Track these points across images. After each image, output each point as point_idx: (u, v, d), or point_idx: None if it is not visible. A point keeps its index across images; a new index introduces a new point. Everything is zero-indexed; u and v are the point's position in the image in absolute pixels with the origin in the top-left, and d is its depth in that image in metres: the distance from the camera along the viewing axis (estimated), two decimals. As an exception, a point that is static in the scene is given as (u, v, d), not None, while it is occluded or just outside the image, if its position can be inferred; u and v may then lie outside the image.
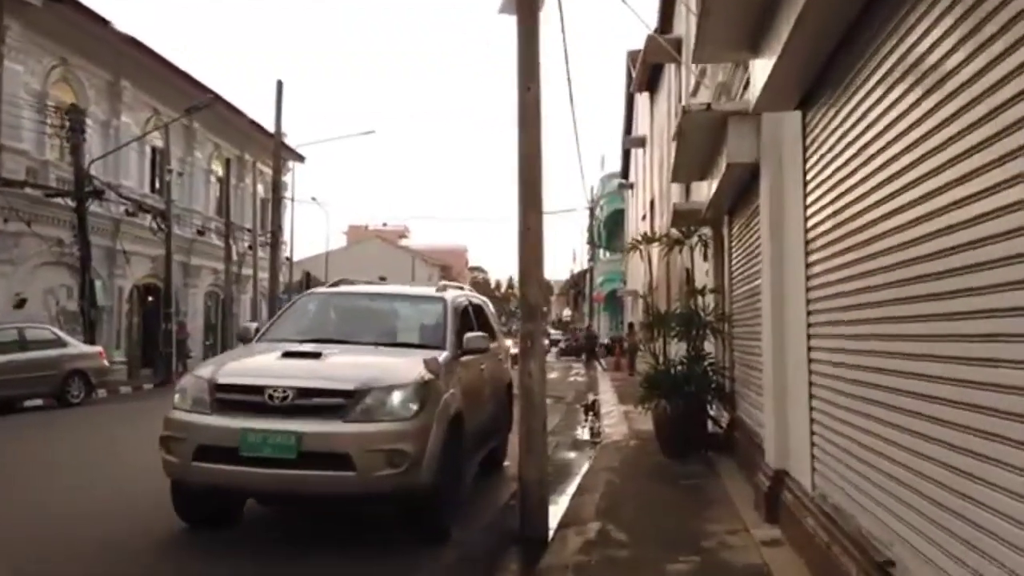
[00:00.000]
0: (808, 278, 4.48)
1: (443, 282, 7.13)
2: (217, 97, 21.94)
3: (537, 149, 5.75)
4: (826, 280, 4.15)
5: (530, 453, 5.53)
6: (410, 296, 7.11)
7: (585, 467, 8.34)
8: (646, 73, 19.40)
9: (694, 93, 9.56)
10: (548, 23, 41.30)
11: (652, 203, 21.16)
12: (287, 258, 32.57)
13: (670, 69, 16.93)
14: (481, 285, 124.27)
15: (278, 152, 24.62)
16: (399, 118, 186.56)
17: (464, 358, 6.28)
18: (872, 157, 3.50)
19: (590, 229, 43.69)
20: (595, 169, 44.84)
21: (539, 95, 5.78)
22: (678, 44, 13.71)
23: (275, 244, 25.78)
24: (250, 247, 27.93)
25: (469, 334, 6.33)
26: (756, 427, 6.70)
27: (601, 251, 44.82)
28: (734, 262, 8.28)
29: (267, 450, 4.74)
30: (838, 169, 3.95)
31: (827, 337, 4.17)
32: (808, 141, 4.49)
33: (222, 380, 5.09)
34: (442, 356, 5.89)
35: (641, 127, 24.96)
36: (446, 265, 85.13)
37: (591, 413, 14.39)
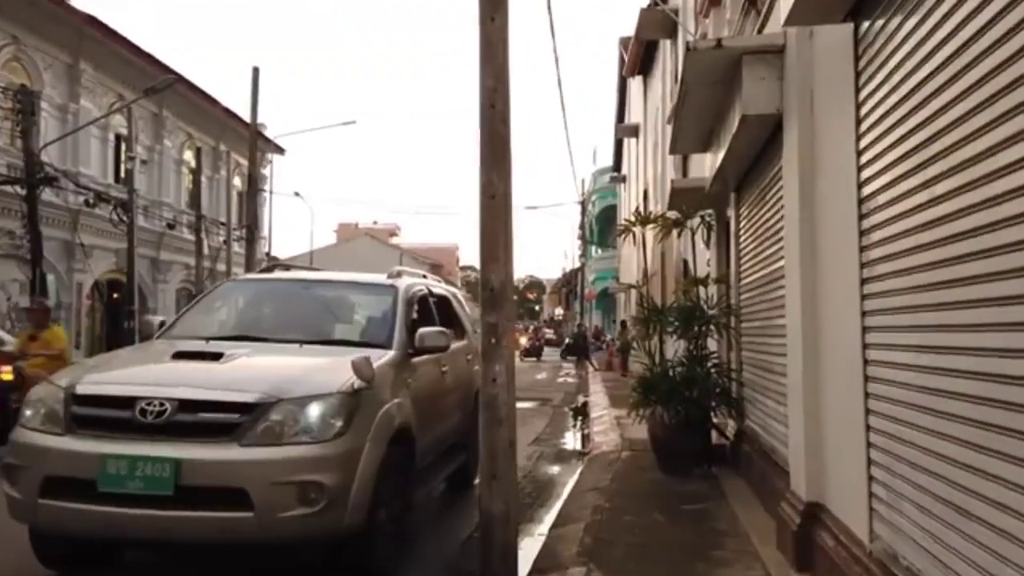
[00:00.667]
0: (863, 250, 3.29)
1: (397, 268, 5.92)
2: (180, 78, 20.58)
3: (504, 94, 4.55)
4: (895, 250, 2.96)
5: (495, 481, 4.32)
6: (354, 284, 5.88)
7: (570, 486, 7.16)
8: (639, 54, 18.22)
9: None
10: (536, 8, 39.92)
11: (645, 193, 20.00)
12: (266, 254, 31.24)
13: (665, 47, 15.76)
14: (473, 284, 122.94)
15: (254, 141, 23.32)
16: (395, 117, 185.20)
17: (417, 359, 5.08)
18: (978, 60, 2.33)
19: (582, 226, 42.52)
20: (587, 164, 43.75)
21: (506, 28, 4.59)
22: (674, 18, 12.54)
23: (251, 239, 24.47)
24: (225, 242, 26.61)
25: (423, 329, 5.12)
26: (774, 442, 5.52)
27: (593, 248, 43.61)
28: (743, 246, 7.10)
29: (134, 484, 3.52)
30: (916, 90, 2.77)
31: (897, 330, 2.98)
32: (863, 64, 3.30)
33: (81, 389, 3.85)
34: (385, 356, 4.69)
35: (634, 115, 23.77)
36: (437, 263, 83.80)
37: (580, 418, 13.24)
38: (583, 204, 39.75)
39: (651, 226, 7.71)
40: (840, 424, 3.75)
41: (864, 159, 3.27)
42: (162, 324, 5.25)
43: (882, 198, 3.06)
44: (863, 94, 3.27)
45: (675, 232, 8.22)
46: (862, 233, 3.29)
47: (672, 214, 8.25)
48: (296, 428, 3.74)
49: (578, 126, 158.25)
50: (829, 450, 3.97)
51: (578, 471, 7.90)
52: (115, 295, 22.19)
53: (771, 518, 5.06)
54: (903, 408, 2.87)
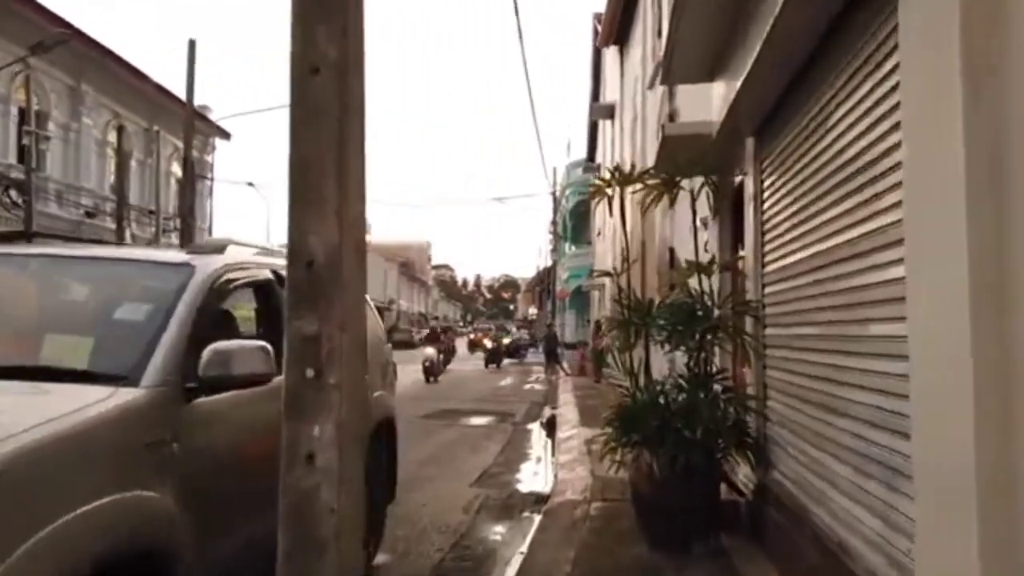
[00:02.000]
0: None
1: (215, 239, 3.55)
2: (77, 33, 17.85)
3: None
4: None
5: None
6: (121, 264, 3.44)
7: (514, 569, 4.83)
8: (616, 16, 15.96)
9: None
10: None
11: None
12: (208, 247, 28.49)
13: (645, 3, 13.53)
14: (448, 284, 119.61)
15: (190, 121, 20.92)
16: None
17: (206, 399, 2.71)
18: None
19: (554, 221, 40.28)
20: (561, 157, 41.29)
21: None
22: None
23: (185, 229, 21.88)
24: (156, 233, 23.93)
25: (219, 345, 2.74)
26: (848, 536, 3.22)
27: (567, 245, 41.34)
28: (770, 214, 4.83)
29: None
30: None
31: None
32: None
33: None
34: (113, 400, 2.33)
35: (610, 92, 21.54)
36: (407, 261, 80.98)
37: (543, 439, 10.94)
38: (555, 196, 37.50)
39: (634, 189, 5.44)
40: None
41: None
42: None
43: None
44: None
45: (664, 201, 5.92)
46: None
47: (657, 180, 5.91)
48: None
49: (551, 117, 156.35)
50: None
51: (530, 536, 5.59)
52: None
53: None
54: None
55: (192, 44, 20.56)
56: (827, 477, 3.55)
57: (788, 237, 4.38)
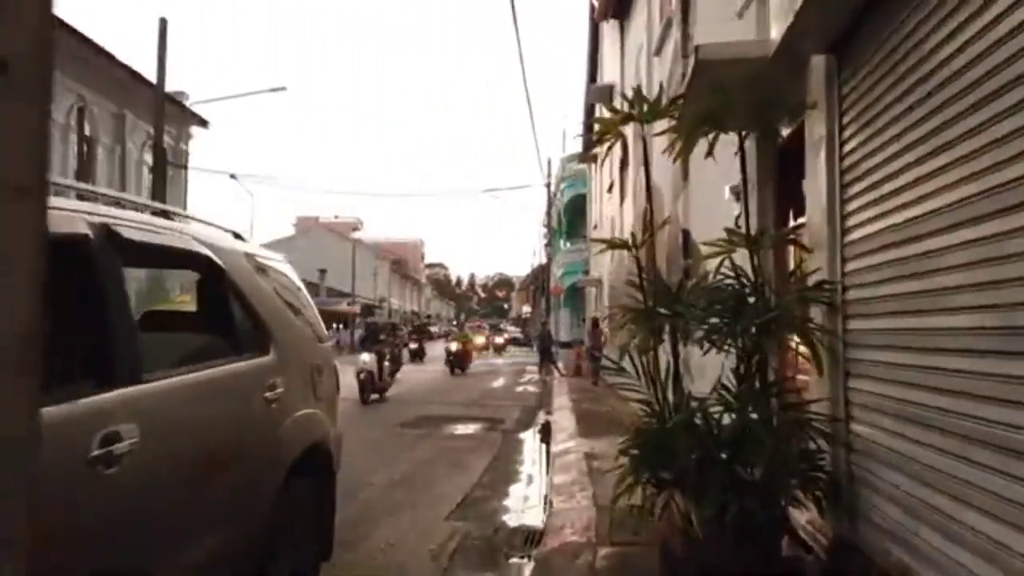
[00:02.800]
0: None
1: None
2: None
3: None
4: None
5: None
6: None
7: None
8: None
9: None
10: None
11: (622, 163, 16.36)
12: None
13: (651, -37, 12.10)
14: (443, 283, 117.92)
15: (161, 105, 19.41)
16: (354, 103, 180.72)
17: None
18: None
19: (548, 214, 38.88)
20: (557, 151, 40.02)
21: None
22: None
23: (155, 220, 20.39)
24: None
25: None
26: None
27: (561, 241, 39.93)
28: (854, 159, 3.42)
29: None
30: None
31: None
32: None
33: None
34: None
35: (608, 72, 20.11)
36: (400, 259, 79.62)
37: (537, 453, 9.53)
38: (549, 187, 36.08)
39: (661, 125, 4.00)
40: None
41: None
42: None
43: None
44: None
45: (676, 176, 4.48)
46: None
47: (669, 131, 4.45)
48: None
49: (548, 113, 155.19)
50: None
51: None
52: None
53: None
54: None
55: (163, 22, 19.13)
56: (996, 558, 2.14)
57: (892, 186, 2.97)
